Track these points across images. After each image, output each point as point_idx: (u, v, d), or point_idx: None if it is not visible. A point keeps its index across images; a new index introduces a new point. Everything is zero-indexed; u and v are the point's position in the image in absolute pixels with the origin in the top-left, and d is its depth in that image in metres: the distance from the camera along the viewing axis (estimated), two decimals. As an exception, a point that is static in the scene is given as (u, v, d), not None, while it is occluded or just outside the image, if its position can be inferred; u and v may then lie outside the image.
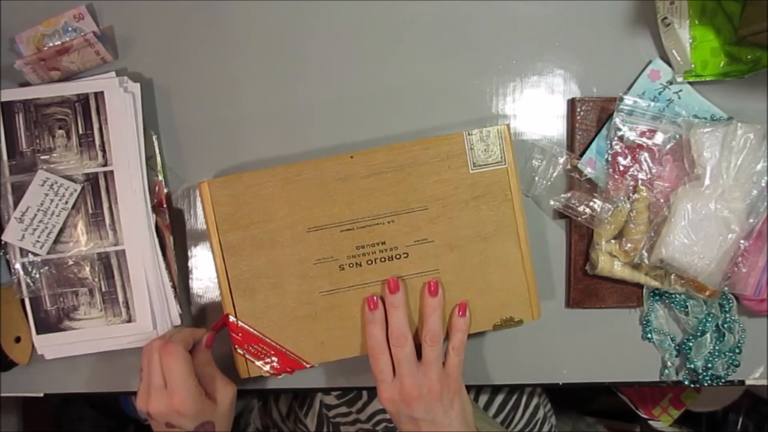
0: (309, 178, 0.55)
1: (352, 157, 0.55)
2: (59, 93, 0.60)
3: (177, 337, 0.54)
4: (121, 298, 0.60)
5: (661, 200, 0.59)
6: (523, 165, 0.63)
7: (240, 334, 0.56)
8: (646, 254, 0.59)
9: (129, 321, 0.60)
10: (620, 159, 0.60)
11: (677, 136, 0.59)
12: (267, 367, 0.56)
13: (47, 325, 0.60)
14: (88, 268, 0.60)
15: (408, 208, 0.56)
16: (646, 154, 0.60)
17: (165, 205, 0.62)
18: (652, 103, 0.61)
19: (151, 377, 0.52)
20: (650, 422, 1.01)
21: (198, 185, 0.56)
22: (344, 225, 0.56)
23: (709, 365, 0.63)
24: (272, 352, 0.56)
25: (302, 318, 0.56)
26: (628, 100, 0.60)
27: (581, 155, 0.62)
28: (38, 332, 0.60)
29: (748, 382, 0.65)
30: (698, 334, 0.62)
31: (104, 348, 0.61)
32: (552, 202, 0.61)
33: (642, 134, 0.60)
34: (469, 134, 0.55)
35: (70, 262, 0.60)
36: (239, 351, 0.56)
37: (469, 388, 0.58)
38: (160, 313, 0.61)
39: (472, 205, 0.56)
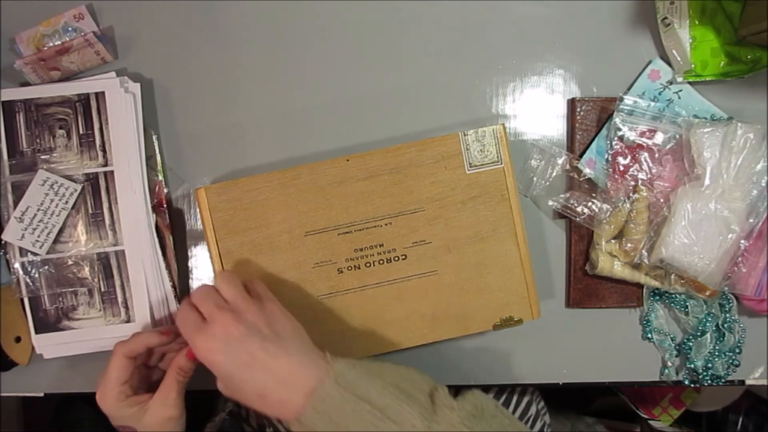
0: (305, 182, 0.55)
1: (348, 160, 0.55)
2: (60, 93, 0.60)
3: (132, 338, 0.53)
4: (120, 299, 0.60)
5: (661, 200, 0.59)
6: (522, 165, 0.63)
7: None
8: (646, 254, 0.59)
9: (128, 321, 0.60)
10: (620, 159, 0.60)
11: (677, 136, 0.59)
12: None
13: (46, 324, 0.60)
14: (87, 268, 0.60)
15: (405, 210, 0.56)
16: (646, 154, 0.60)
17: (165, 205, 0.62)
18: (652, 103, 0.60)
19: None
20: (650, 422, 1.01)
21: (195, 192, 0.56)
22: (342, 228, 0.56)
23: (709, 365, 0.63)
24: None
25: (302, 322, 0.56)
26: (628, 100, 0.60)
27: (581, 155, 0.62)
28: (37, 332, 0.60)
29: (748, 382, 0.65)
30: (698, 333, 0.62)
31: (103, 348, 0.61)
32: (550, 203, 0.61)
33: (642, 134, 0.60)
34: (464, 135, 0.55)
35: (70, 262, 0.60)
36: None
37: (469, 388, 0.58)
38: (159, 314, 0.61)
39: (469, 206, 0.56)
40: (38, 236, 0.59)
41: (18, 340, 0.62)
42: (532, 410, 0.80)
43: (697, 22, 0.60)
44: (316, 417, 0.44)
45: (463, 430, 0.45)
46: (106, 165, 0.60)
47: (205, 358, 0.46)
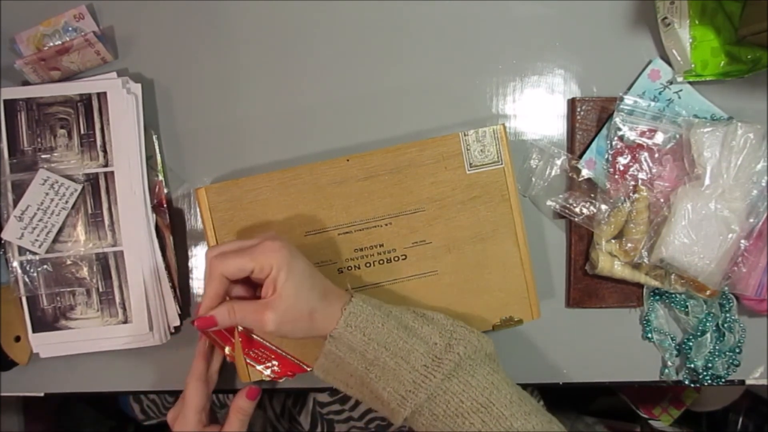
0: (305, 182, 0.55)
1: (348, 160, 0.55)
2: (62, 92, 0.60)
3: (195, 363, 0.57)
4: (117, 299, 0.60)
5: (661, 200, 0.59)
6: (521, 165, 0.63)
7: (241, 339, 0.55)
8: (646, 254, 0.59)
9: (125, 322, 0.60)
10: (620, 159, 0.60)
11: (677, 136, 0.59)
12: (268, 372, 0.55)
13: (43, 323, 0.60)
14: (86, 268, 0.60)
15: (405, 210, 0.56)
16: (646, 154, 0.60)
17: (165, 205, 0.62)
18: (653, 103, 0.60)
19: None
20: (650, 422, 1.01)
21: (195, 191, 0.56)
22: (342, 228, 0.56)
23: (710, 365, 0.63)
24: (273, 357, 0.56)
25: None
26: (629, 99, 0.60)
27: (581, 155, 0.62)
28: (34, 330, 0.60)
29: (748, 382, 0.65)
30: (698, 333, 0.62)
31: (100, 348, 0.61)
32: (549, 203, 0.61)
33: (642, 134, 0.60)
34: (465, 135, 0.55)
35: (69, 262, 0.60)
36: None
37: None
38: (157, 316, 0.60)
39: (469, 206, 0.56)
40: (37, 235, 0.59)
41: (18, 339, 0.62)
42: None
43: (697, 22, 0.60)
44: (348, 331, 0.47)
45: (478, 349, 0.48)
46: (106, 165, 0.60)
47: (282, 258, 0.46)
